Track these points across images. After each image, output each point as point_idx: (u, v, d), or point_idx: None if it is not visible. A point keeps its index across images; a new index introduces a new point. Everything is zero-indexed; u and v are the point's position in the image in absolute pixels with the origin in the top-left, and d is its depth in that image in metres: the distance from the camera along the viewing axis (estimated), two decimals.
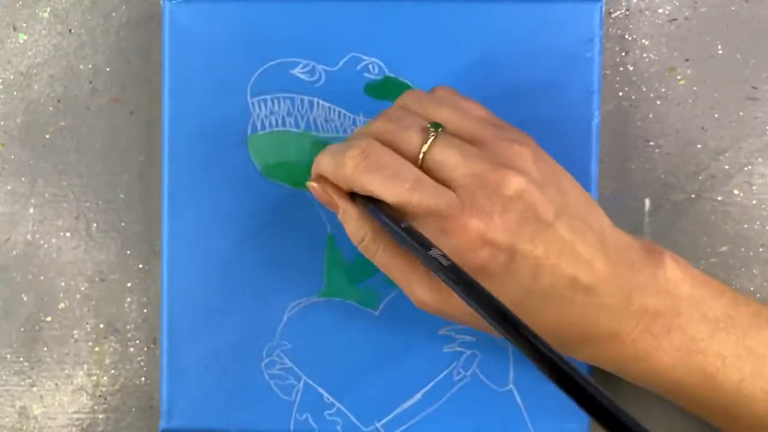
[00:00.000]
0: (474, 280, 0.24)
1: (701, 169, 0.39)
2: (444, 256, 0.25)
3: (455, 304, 0.30)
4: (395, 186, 0.28)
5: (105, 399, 0.41)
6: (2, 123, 0.41)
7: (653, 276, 0.30)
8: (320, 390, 0.38)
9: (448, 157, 0.28)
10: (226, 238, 0.38)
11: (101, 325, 0.41)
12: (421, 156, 0.29)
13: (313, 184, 0.31)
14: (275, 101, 0.38)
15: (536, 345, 0.21)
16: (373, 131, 0.30)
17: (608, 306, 0.29)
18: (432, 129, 0.29)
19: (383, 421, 0.38)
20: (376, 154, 0.28)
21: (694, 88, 0.39)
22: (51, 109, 0.41)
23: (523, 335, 0.21)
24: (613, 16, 0.39)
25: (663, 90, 0.39)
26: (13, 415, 0.42)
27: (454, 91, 0.33)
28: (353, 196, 0.31)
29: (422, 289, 0.30)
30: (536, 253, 0.27)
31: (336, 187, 0.31)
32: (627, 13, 0.39)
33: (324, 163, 0.31)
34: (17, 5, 0.41)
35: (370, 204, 0.29)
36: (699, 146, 0.39)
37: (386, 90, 0.37)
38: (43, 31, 0.41)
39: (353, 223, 0.31)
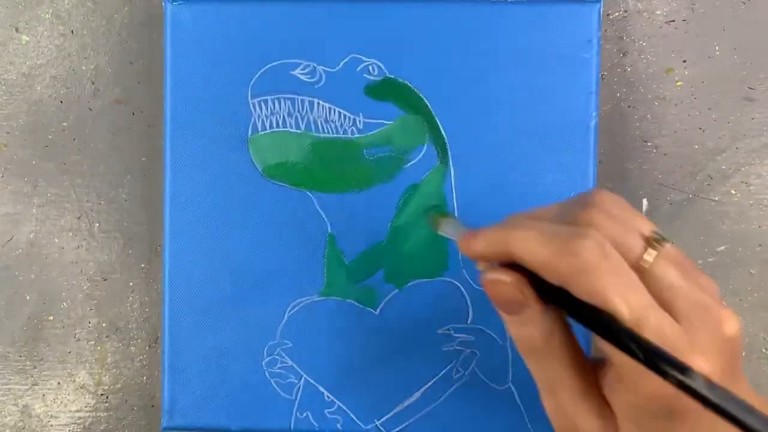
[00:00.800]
0: None
1: (699, 169, 0.39)
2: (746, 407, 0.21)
3: None
4: (635, 299, 0.24)
5: (107, 398, 0.41)
6: (5, 123, 0.41)
7: None
8: (321, 388, 0.38)
9: (672, 276, 0.25)
10: (227, 237, 0.38)
11: (103, 324, 0.41)
12: (639, 264, 0.25)
13: (501, 278, 0.26)
14: (276, 102, 0.38)
15: None
16: (588, 222, 0.26)
17: None
18: (657, 240, 0.26)
19: (383, 419, 0.38)
20: (616, 257, 0.24)
21: (692, 89, 0.39)
22: (53, 109, 0.41)
23: None
24: (611, 17, 0.40)
25: (661, 91, 0.39)
26: (16, 414, 0.42)
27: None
28: (545, 295, 0.26)
29: (589, 421, 0.27)
30: None
31: (529, 280, 0.26)
32: (625, 14, 0.40)
33: (532, 243, 0.25)
34: (19, 7, 0.41)
35: (591, 315, 0.24)
36: (696, 147, 0.39)
37: (386, 91, 0.38)
38: (46, 33, 0.41)
39: (542, 327, 0.26)
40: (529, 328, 0.26)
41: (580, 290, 0.24)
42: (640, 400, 0.25)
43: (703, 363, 0.24)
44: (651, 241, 0.26)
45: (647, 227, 0.26)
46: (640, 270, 0.25)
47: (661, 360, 0.23)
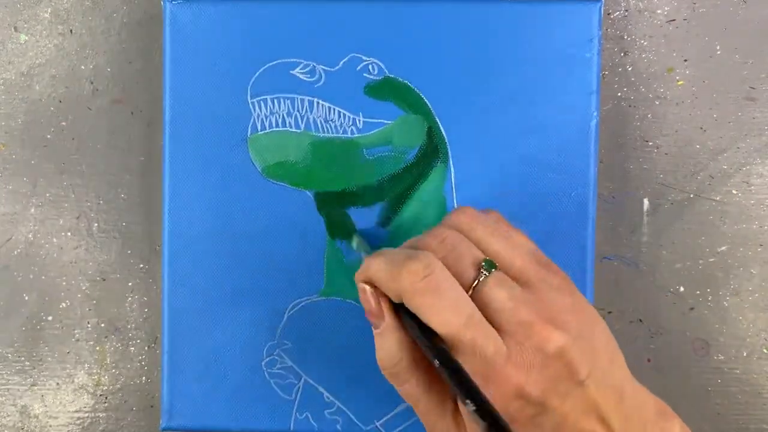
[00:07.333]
0: None
1: (700, 169, 0.39)
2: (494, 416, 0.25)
3: None
4: (451, 317, 0.27)
5: (106, 398, 0.41)
6: (4, 123, 0.41)
7: None
8: (320, 389, 0.38)
9: (497, 299, 0.28)
10: (227, 237, 0.38)
11: (102, 325, 0.41)
12: (470, 290, 0.29)
13: (365, 287, 0.30)
14: (275, 101, 0.38)
15: None
16: (428, 246, 0.30)
17: None
18: (485, 267, 0.29)
19: (383, 420, 0.38)
20: (437, 276, 0.28)
21: (693, 89, 0.39)
22: (52, 109, 0.41)
23: None
24: (612, 16, 0.40)
25: (662, 90, 0.39)
26: (15, 415, 0.42)
27: (501, 217, 0.33)
28: (397, 307, 0.30)
29: (443, 427, 0.30)
30: (563, 410, 0.28)
31: (386, 299, 0.30)
32: (626, 13, 0.40)
33: (376, 268, 0.30)
34: (18, 6, 0.41)
35: (413, 323, 0.28)
36: (697, 146, 0.39)
37: (386, 90, 0.37)
38: (44, 32, 0.41)
39: (392, 342, 0.30)
40: (385, 342, 0.30)
41: (409, 308, 0.28)
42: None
43: (516, 375, 0.27)
44: (479, 268, 0.29)
45: (488, 251, 0.30)
46: (473, 294, 0.28)
47: (457, 377, 0.26)
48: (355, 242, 0.37)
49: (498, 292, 0.28)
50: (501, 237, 0.30)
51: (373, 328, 0.31)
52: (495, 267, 0.29)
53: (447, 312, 0.27)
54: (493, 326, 0.28)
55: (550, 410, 0.28)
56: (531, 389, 0.27)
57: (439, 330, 0.27)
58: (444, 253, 0.29)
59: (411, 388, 0.30)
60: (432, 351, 0.27)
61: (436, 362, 0.27)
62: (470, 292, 0.29)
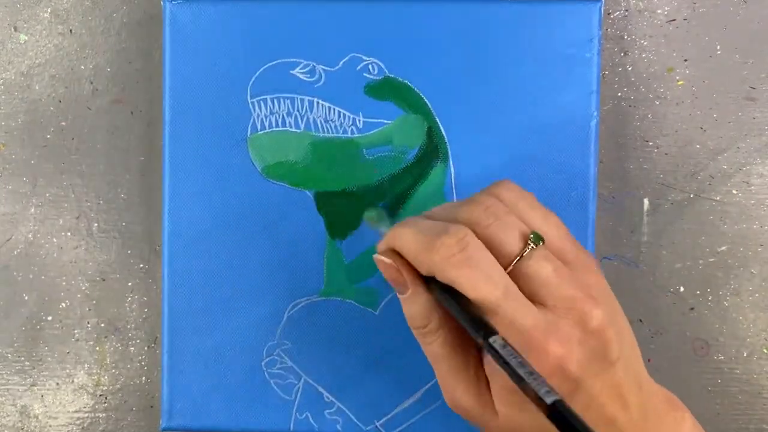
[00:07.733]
0: (583, 423, 0.23)
1: (700, 169, 0.39)
2: (549, 389, 0.24)
3: (493, 422, 0.29)
4: (488, 289, 0.27)
5: (106, 398, 0.41)
6: (3, 123, 0.41)
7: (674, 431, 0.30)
8: (320, 389, 0.38)
9: (542, 273, 0.28)
10: (227, 237, 0.38)
11: (102, 325, 0.41)
12: (514, 262, 0.28)
13: (383, 259, 0.30)
14: (275, 101, 0.38)
15: None
16: (468, 218, 0.29)
17: None
18: (533, 240, 0.29)
19: (383, 420, 0.38)
20: (472, 248, 0.28)
21: (693, 89, 0.39)
22: (52, 109, 0.41)
23: None
24: (612, 16, 0.40)
25: (662, 90, 0.39)
26: (14, 415, 0.42)
27: (536, 198, 0.32)
28: (428, 280, 0.29)
29: (465, 395, 0.30)
30: (594, 390, 0.28)
31: (409, 266, 0.30)
32: (626, 13, 0.40)
33: (406, 240, 0.29)
34: (18, 6, 0.41)
35: (448, 296, 0.28)
36: (698, 146, 0.39)
37: (386, 90, 0.37)
38: (44, 32, 0.41)
39: (421, 308, 0.29)
40: (411, 307, 0.30)
41: (442, 280, 0.28)
42: (504, 382, 0.28)
43: (557, 349, 0.27)
44: (526, 240, 0.29)
45: (532, 225, 0.29)
46: (516, 266, 0.28)
47: (477, 325, 0.26)
48: (374, 214, 0.37)
49: (544, 265, 0.28)
50: (542, 214, 0.30)
51: (398, 294, 0.30)
52: (542, 241, 0.29)
53: (483, 284, 0.27)
54: (533, 300, 0.28)
55: (582, 389, 0.27)
56: (570, 364, 0.27)
57: (476, 300, 0.27)
58: (489, 222, 0.29)
59: (436, 348, 0.30)
60: (470, 323, 0.27)
61: (476, 335, 0.26)
62: (513, 265, 0.28)
